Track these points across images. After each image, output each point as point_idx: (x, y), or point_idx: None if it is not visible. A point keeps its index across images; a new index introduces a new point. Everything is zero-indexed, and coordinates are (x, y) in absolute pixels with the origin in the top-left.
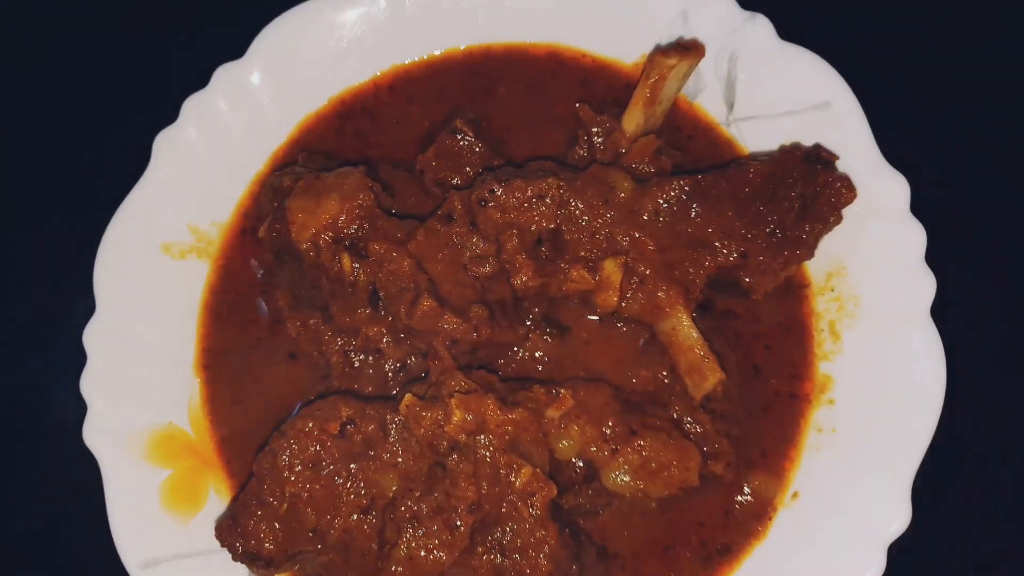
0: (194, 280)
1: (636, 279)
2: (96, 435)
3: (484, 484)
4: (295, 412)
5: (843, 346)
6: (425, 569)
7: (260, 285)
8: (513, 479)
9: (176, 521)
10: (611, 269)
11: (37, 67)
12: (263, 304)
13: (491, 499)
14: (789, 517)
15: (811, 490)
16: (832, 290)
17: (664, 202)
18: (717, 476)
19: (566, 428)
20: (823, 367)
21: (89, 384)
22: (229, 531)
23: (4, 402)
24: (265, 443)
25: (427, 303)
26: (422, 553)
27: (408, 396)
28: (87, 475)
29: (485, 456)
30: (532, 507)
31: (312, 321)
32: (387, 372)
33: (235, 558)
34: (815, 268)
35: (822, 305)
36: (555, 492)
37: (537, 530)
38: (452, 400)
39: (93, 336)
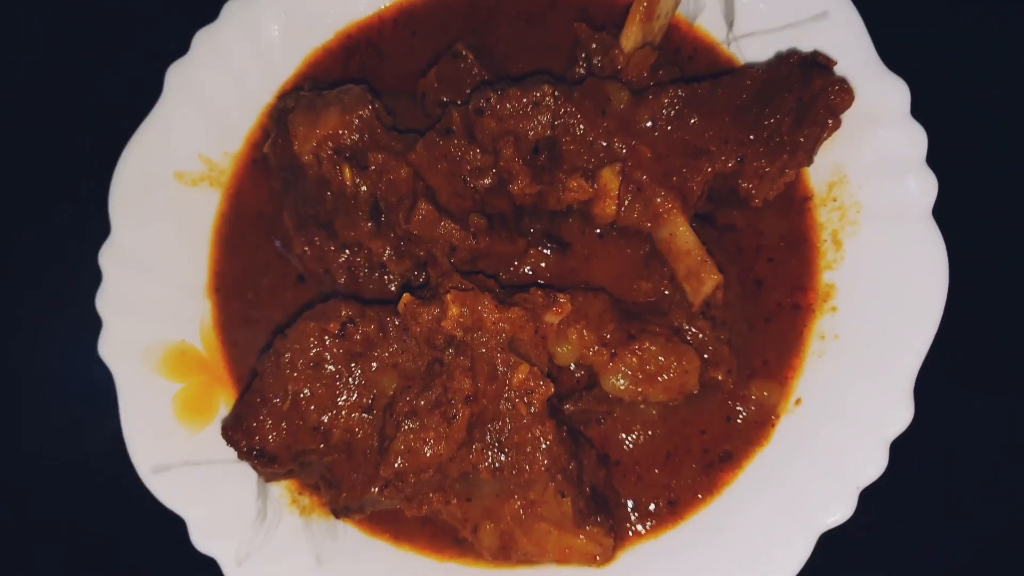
0: (206, 208)
1: (634, 186)
2: (110, 349)
3: (481, 380)
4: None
5: (845, 254)
6: (423, 462)
7: (269, 212)
8: (510, 377)
9: (188, 431)
10: (608, 177)
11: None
12: (274, 236)
13: (488, 395)
14: (792, 423)
15: (814, 395)
16: (834, 200)
17: (661, 110)
18: (718, 383)
19: (564, 333)
20: (826, 276)
21: (104, 302)
22: (234, 429)
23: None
24: (268, 345)
25: (424, 207)
26: (419, 446)
27: (406, 295)
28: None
29: (482, 352)
30: (530, 404)
31: (316, 239)
32: (390, 288)
33: (240, 456)
34: (817, 179)
35: (824, 216)
36: (552, 390)
37: (535, 427)
38: (448, 296)
39: (108, 256)
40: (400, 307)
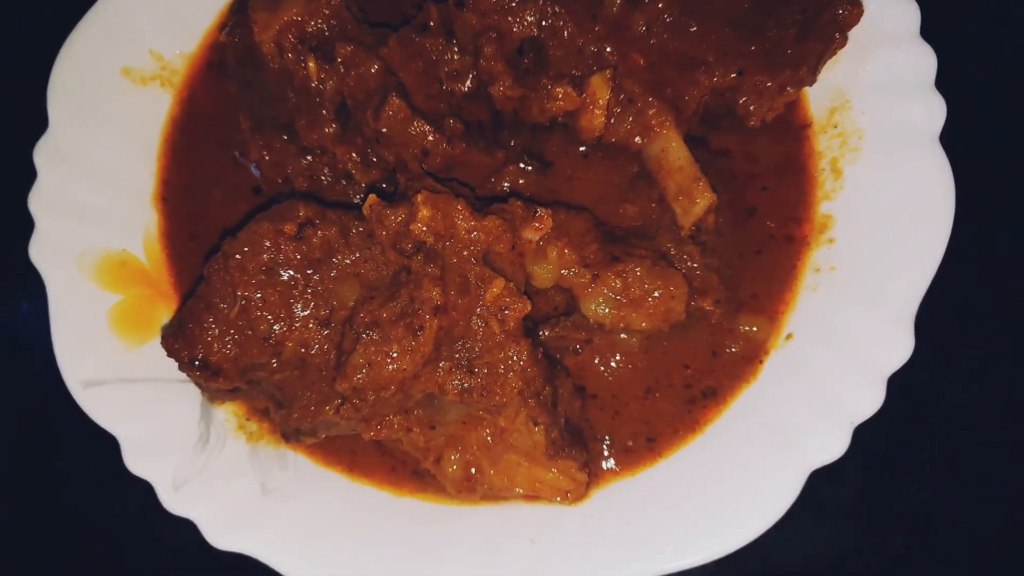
0: (156, 110)
1: (625, 97)
2: (42, 252)
3: (451, 291)
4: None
5: (844, 182)
6: (384, 378)
7: (225, 119)
8: (483, 291)
9: (125, 346)
10: (598, 84)
11: None
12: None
13: (459, 310)
14: (781, 358)
15: (806, 330)
16: (835, 126)
17: (656, 16)
18: (704, 313)
19: (543, 252)
20: (823, 207)
21: (37, 201)
22: (175, 337)
23: None
24: (216, 248)
25: (396, 102)
26: (381, 359)
27: (372, 196)
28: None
29: (454, 263)
30: (504, 322)
31: (276, 143)
32: (355, 200)
33: (182, 367)
34: (816, 105)
35: (824, 143)
36: (528, 308)
37: (508, 345)
38: (418, 196)
39: (44, 153)
40: (365, 209)
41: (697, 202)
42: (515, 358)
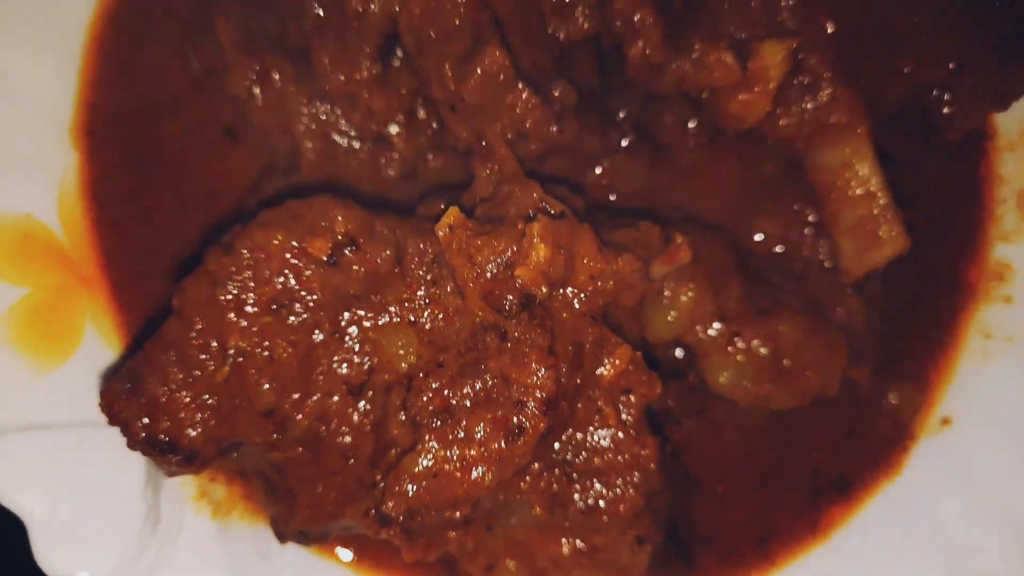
0: None
1: (805, 77)
2: None
3: (564, 366)
4: (246, 214)
5: None
6: (455, 496)
7: (189, 10)
8: (604, 364)
9: (31, 368)
10: (771, 57)
11: None
12: (191, 44)
13: (568, 392)
14: (933, 447)
15: (967, 413)
16: None
17: None
18: (854, 384)
19: (673, 293)
20: (999, 250)
21: None
22: (125, 400)
23: None
24: (193, 259)
25: (496, 55)
26: (453, 469)
27: (453, 211)
28: None
29: (564, 317)
30: (625, 409)
31: (276, 73)
32: (387, 173)
33: (131, 444)
34: (1007, 115)
35: (1010, 166)
36: (659, 390)
37: (629, 446)
38: (534, 226)
39: None
40: (441, 229)
41: (884, 246)
42: (640, 464)
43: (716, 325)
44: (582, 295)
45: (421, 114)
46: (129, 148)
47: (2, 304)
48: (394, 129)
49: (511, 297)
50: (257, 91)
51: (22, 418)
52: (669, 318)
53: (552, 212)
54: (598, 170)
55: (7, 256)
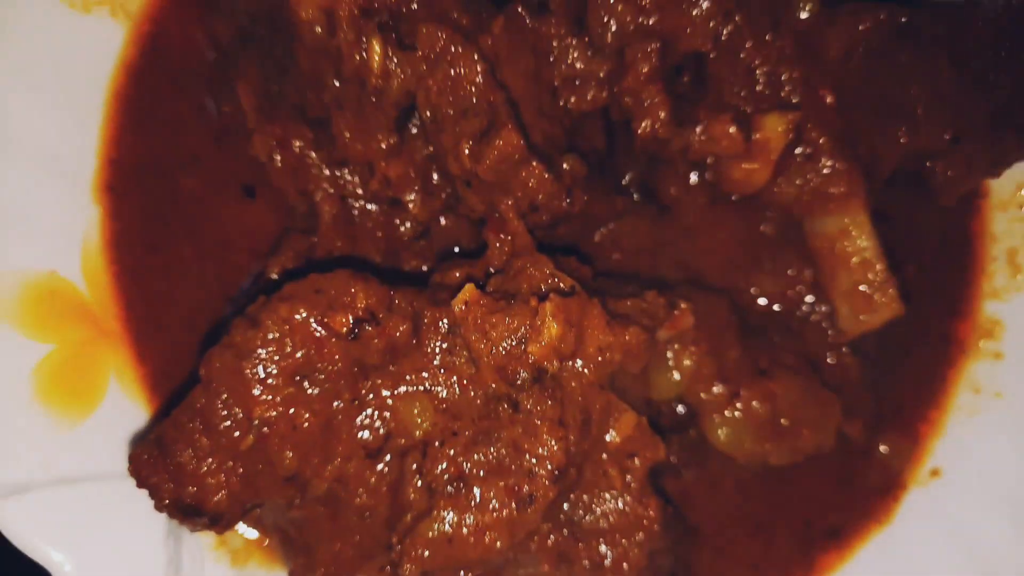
0: (104, 49)
1: (805, 148)
2: None
3: (572, 434)
4: (269, 282)
5: (1023, 283)
6: (466, 554)
7: (209, 72)
8: (611, 430)
9: (57, 424)
10: (773, 130)
11: None
12: (211, 103)
13: (576, 458)
14: (922, 498)
15: (956, 467)
16: (1020, 207)
17: (859, 38)
18: (847, 439)
19: (677, 356)
20: (990, 307)
21: None
22: (153, 465)
23: None
24: (218, 326)
25: (511, 136)
26: (467, 534)
27: (469, 288)
28: None
29: (573, 387)
30: (629, 474)
31: (297, 141)
32: (400, 229)
33: (159, 506)
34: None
35: (1002, 225)
36: (662, 454)
37: (633, 508)
38: (547, 306)
39: None
40: (458, 305)
41: (879, 311)
42: (644, 524)
43: (717, 387)
44: (591, 366)
45: (435, 178)
46: (149, 203)
47: (29, 361)
48: (410, 196)
49: (523, 372)
50: (277, 157)
51: (49, 473)
52: (672, 379)
53: (563, 288)
54: (604, 230)
55: (34, 314)
